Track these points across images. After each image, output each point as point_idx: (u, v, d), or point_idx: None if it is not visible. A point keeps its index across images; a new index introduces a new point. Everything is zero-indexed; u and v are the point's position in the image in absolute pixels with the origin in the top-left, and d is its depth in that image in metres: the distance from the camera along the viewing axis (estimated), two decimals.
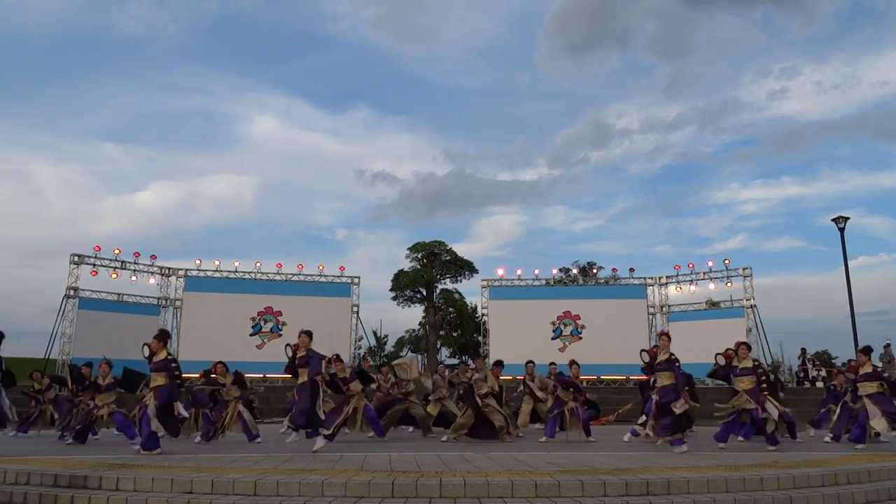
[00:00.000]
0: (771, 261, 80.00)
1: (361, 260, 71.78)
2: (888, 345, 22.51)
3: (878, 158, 79.06)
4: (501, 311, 24.23)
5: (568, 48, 79.88)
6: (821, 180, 79.16)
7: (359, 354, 24.54)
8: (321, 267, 23.87)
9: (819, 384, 18.35)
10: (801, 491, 6.12)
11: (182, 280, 23.18)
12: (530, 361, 13.04)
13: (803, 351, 23.42)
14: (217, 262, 23.39)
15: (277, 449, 8.88)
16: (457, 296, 37.90)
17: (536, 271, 25.06)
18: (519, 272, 24.92)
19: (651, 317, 24.36)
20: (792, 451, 9.07)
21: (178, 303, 22.82)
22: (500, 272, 25.01)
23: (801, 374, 22.88)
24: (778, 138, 76.22)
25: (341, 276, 24.07)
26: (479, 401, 10.48)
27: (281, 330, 22.78)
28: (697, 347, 19.62)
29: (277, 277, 23.67)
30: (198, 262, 23.30)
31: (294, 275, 23.79)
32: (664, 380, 9.24)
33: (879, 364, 20.63)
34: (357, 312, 23.76)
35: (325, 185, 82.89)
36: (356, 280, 24.03)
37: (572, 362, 11.37)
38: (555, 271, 26.99)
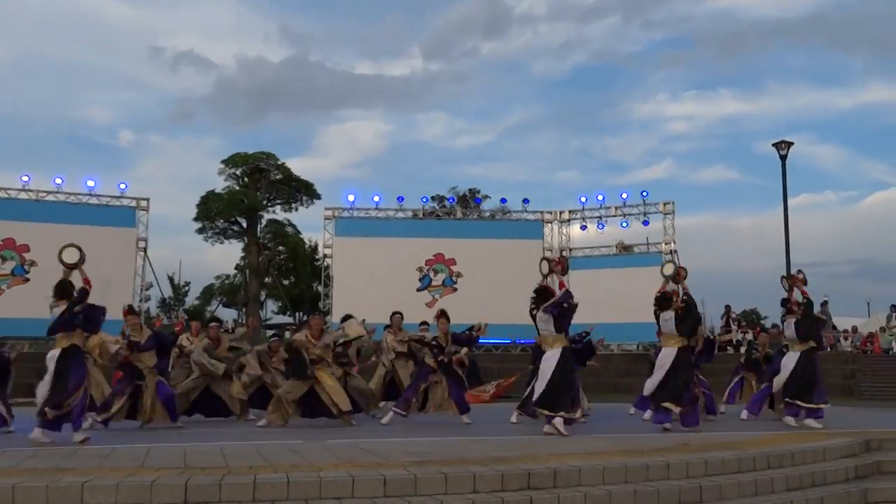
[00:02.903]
0: (698, 195, 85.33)
1: (154, 176, 68.33)
2: (825, 303, 25.13)
3: (832, 72, 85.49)
4: (351, 251, 24.31)
5: None
6: (765, 95, 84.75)
7: (146, 307, 23.73)
8: (92, 183, 22.79)
9: (744, 349, 20.12)
10: (714, 479, 6.74)
11: None
12: (397, 313, 13.36)
13: (727, 309, 25.56)
14: None
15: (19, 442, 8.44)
16: (290, 229, 37.48)
17: (401, 199, 25.31)
18: (377, 200, 25.04)
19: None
20: (707, 430, 9.94)
21: None
22: (352, 199, 24.97)
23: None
24: (717, 39, 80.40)
25: (122, 197, 23.14)
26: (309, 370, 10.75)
27: (27, 272, 21.48)
28: (604, 303, 20.85)
29: (23, 196, 22.31)
30: None
31: (51, 193, 22.53)
32: None
33: None
34: (145, 249, 23.09)
35: (103, 65, 77.23)
36: (144, 203, 23.17)
37: (441, 314, 11.57)
38: (426, 200, 27.35)
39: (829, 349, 23.39)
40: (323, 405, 10.77)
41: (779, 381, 11.10)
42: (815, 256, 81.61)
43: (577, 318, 9.97)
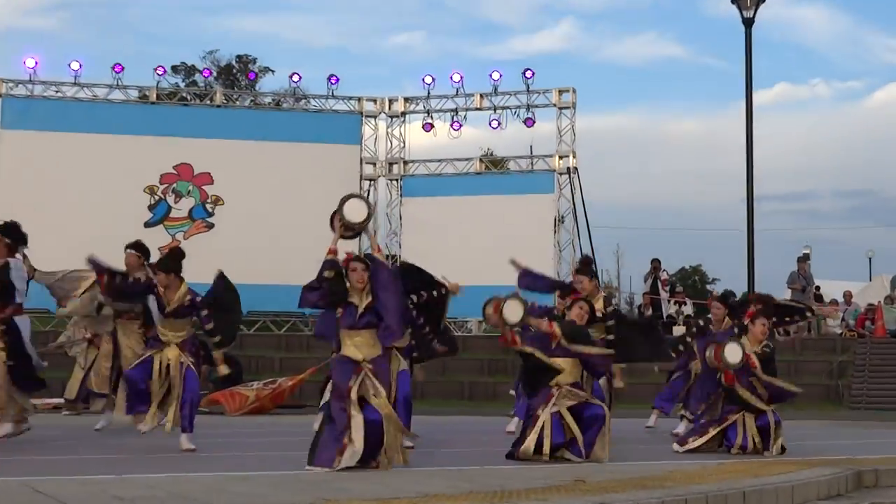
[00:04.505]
0: (615, 81, 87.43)
1: None
2: (806, 256, 26.25)
3: None
4: (31, 156, 23.91)
5: None
6: None
7: None
8: None
9: (679, 327, 20.65)
10: None
11: None
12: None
13: (655, 265, 26.36)
14: None
15: None
16: None
17: (119, 69, 24.84)
18: (77, 68, 24.60)
19: (370, 184, 25.44)
20: (617, 458, 10.18)
21: None
22: (32, 64, 24.41)
23: (649, 309, 25.84)
24: None
25: None
26: None
27: None
28: (458, 252, 21.08)
29: None
30: None
31: None
32: None
33: (788, 293, 24.15)
34: None
35: None
36: None
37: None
38: (162, 72, 26.59)
39: (808, 331, 24.23)
40: None
41: None
42: (793, 184, 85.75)
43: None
